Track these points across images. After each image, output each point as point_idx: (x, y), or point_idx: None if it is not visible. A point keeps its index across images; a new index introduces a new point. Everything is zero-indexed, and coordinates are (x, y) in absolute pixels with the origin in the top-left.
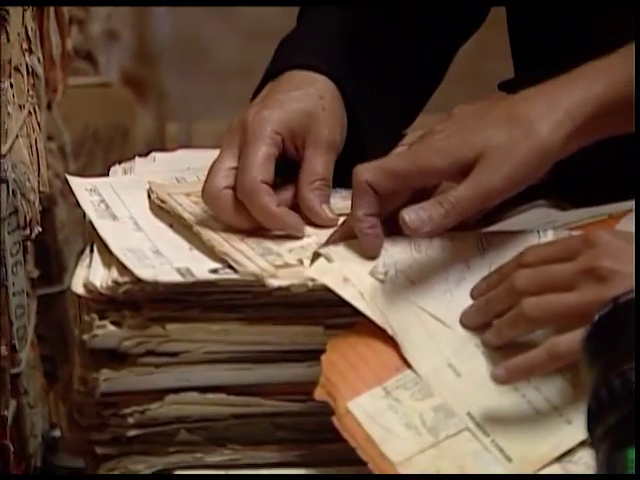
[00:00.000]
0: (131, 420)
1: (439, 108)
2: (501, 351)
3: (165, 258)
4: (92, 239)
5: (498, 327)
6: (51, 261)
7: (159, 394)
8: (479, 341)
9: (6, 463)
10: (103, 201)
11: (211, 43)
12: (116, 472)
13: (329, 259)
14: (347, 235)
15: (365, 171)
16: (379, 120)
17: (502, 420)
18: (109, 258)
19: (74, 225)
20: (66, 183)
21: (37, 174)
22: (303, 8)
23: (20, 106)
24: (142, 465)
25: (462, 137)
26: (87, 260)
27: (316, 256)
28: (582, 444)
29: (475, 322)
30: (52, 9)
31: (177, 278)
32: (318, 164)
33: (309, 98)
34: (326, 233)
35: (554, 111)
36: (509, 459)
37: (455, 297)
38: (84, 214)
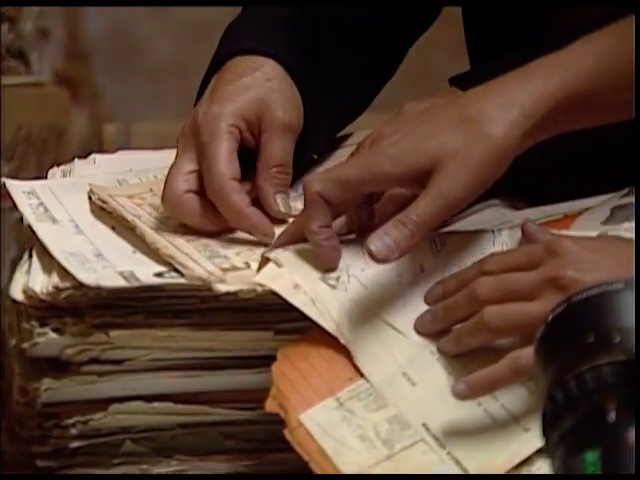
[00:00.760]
0: (74, 431)
1: (384, 107)
2: (458, 358)
3: (108, 262)
4: (31, 243)
5: (457, 335)
6: None
7: (103, 404)
8: (434, 348)
9: None
10: (42, 204)
11: (145, 40)
12: None
13: (278, 264)
14: (295, 238)
15: (315, 182)
16: (327, 106)
17: (458, 431)
18: (49, 263)
19: (7, 231)
20: None
21: None
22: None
23: None
24: None
25: (415, 142)
26: (26, 265)
27: (264, 260)
28: (540, 452)
29: (431, 329)
30: None
31: (121, 282)
32: (274, 150)
33: (257, 83)
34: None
35: (508, 110)
36: (466, 471)
37: (409, 302)
38: (22, 218)
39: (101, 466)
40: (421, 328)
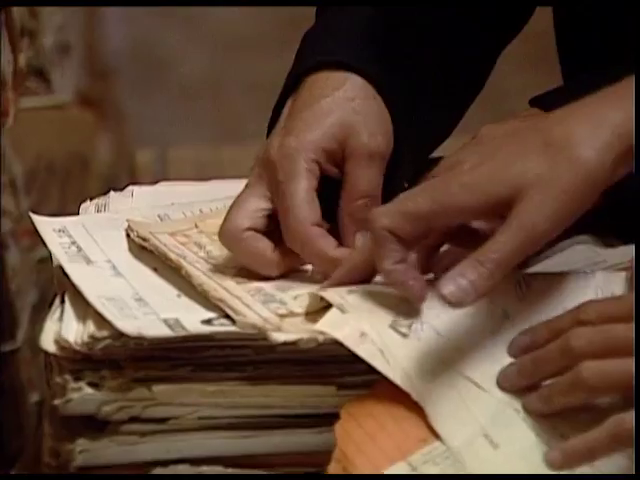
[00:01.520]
0: None
1: (456, 130)
2: (547, 418)
3: (150, 307)
4: (63, 287)
5: (548, 393)
6: (1, 314)
7: (145, 467)
8: (519, 406)
9: None
10: (74, 243)
11: (174, 55)
12: None
13: (342, 310)
14: (352, 277)
15: (382, 216)
16: (419, 124)
17: None
18: (84, 309)
19: (27, 273)
20: (18, 223)
21: None
22: (320, 7)
23: None
24: None
25: (494, 169)
26: (57, 312)
27: (319, 301)
28: None
29: (517, 384)
30: (2, 18)
31: (165, 331)
32: (359, 179)
33: (338, 104)
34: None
35: (598, 132)
36: None
37: (490, 353)
38: (44, 258)
39: None
40: (505, 383)
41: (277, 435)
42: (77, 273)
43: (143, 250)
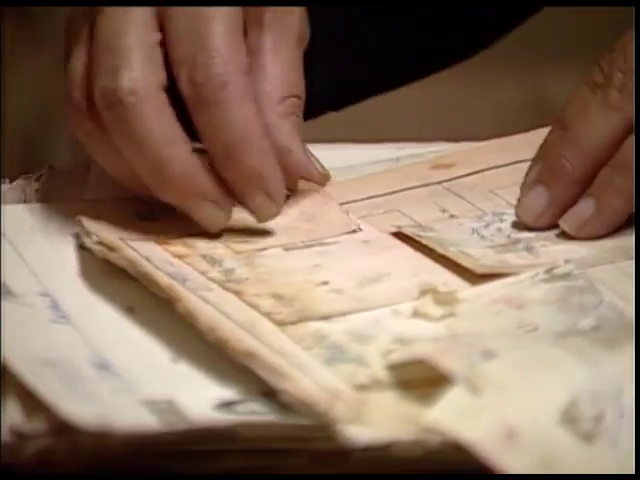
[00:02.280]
0: None
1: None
2: None
3: (122, 380)
4: None
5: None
6: None
7: None
8: None
9: None
10: None
11: None
12: None
13: (474, 389)
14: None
15: None
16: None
17: None
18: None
19: None
20: None
21: None
22: None
23: None
24: None
25: None
26: None
27: (428, 367)
28: None
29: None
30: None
31: (149, 423)
32: (290, 67)
33: None
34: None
35: None
36: None
37: None
38: None
39: None
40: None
41: None
42: None
43: (109, 272)
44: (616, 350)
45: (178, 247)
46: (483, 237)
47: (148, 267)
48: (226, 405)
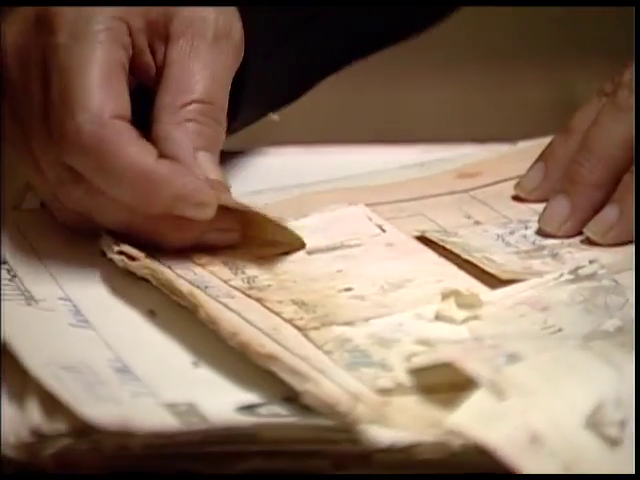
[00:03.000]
0: None
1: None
2: None
3: (143, 383)
4: None
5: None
6: None
7: None
8: None
9: None
10: (5, 263)
11: None
12: None
13: (498, 392)
14: None
15: None
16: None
17: None
18: (21, 384)
19: None
20: None
21: None
22: None
23: None
24: None
25: None
26: None
27: (451, 371)
28: None
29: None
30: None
31: (170, 423)
32: (193, 72)
33: None
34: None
35: None
36: None
37: None
38: None
39: None
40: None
41: None
42: (9, 320)
43: (130, 278)
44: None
45: (199, 254)
46: (508, 243)
47: (170, 275)
48: (247, 408)
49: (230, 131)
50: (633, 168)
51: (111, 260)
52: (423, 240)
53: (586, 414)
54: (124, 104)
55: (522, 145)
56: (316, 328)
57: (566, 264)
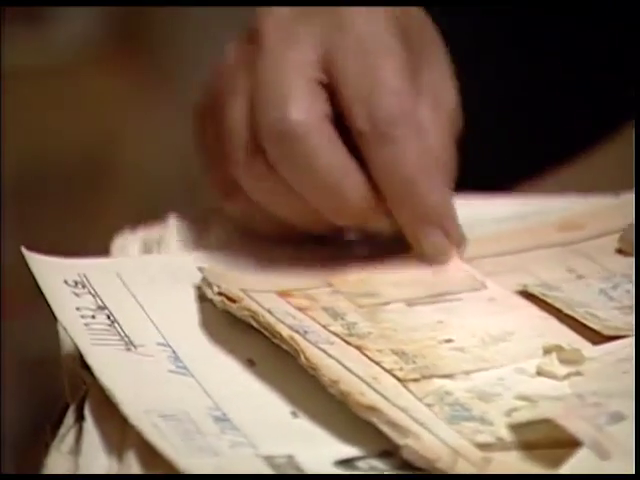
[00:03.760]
0: None
1: None
2: None
3: (241, 433)
4: (79, 393)
5: None
6: None
7: None
8: None
9: None
10: (104, 309)
11: None
12: None
13: (601, 453)
14: None
15: None
16: None
17: None
18: (120, 433)
19: (13, 371)
20: None
21: None
22: None
23: None
24: None
25: None
26: (70, 438)
27: (553, 428)
28: None
29: None
30: None
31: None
32: (434, 133)
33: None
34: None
35: None
36: None
37: None
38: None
39: None
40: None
41: None
42: (108, 367)
43: (229, 322)
44: None
45: (300, 299)
46: (611, 298)
47: (270, 318)
48: (346, 462)
49: None
50: None
51: (210, 302)
52: (524, 294)
53: None
54: (329, 109)
55: (625, 197)
56: (416, 380)
57: None
